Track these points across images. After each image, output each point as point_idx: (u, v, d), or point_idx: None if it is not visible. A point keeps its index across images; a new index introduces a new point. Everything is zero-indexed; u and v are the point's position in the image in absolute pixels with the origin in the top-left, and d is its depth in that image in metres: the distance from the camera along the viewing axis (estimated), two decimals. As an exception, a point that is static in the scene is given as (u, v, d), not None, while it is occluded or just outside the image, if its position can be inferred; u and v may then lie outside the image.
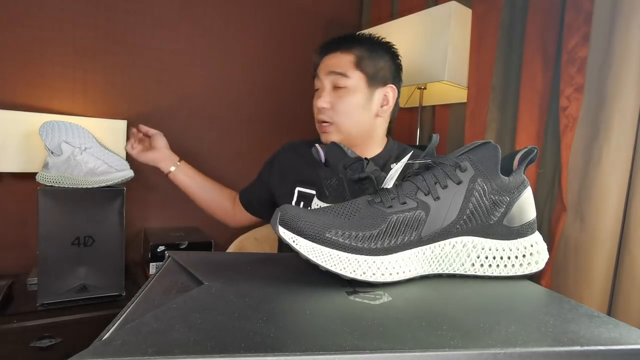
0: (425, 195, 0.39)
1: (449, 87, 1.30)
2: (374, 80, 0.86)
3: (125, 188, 1.04)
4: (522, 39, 1.07)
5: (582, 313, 0.33)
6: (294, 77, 1.60)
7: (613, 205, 0.84)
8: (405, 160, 0.44)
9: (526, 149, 0.42)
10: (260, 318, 0.28)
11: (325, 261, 0.36)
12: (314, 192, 0.89)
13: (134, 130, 1.03)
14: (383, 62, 0.88)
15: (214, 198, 1.05)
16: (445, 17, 1.14)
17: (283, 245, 1.02)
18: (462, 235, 0.41)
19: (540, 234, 0.45)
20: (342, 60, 0.85)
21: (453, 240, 0.40)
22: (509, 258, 0.42)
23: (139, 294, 0.35)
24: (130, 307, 0.32)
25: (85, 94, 1.27)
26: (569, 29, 0.93)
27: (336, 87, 0.85)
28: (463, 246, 0.41)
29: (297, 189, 0.92)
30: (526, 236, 0.43)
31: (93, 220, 1.00)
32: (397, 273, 0.37)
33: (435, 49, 1.16)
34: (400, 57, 0.94)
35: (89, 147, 1.02)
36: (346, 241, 0.36)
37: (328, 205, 0.43)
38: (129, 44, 1.32)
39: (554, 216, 0.96)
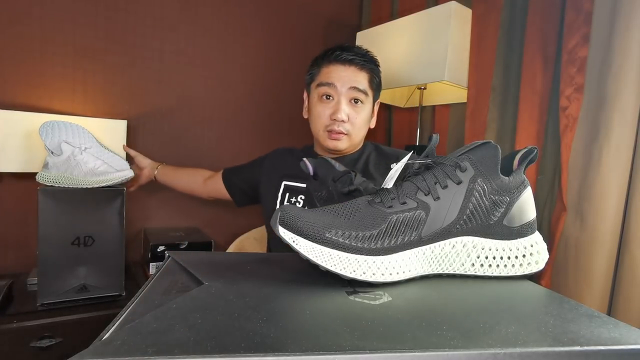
0: (425, 195, 0.39)
1: (449, 87, 1.30)
2: (375, 98, 0.97)
3: (125, 188, 1.04)
4: (522, 39, 1.07)
5: (582, 313, 0.33)
6: (293, 77, 1.60)
7: (613, 205, 0.84)
8: (405, 160, 0.44)
9: (526, 149, 0.42)
10: (260, 318, 0.28)
11: (325, 261, 0.36)
12: (300, 185, 0.94)
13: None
14: (379, 80, 0.97)
15: (185, 182, 1.22)
16: (445, 17, 1.14)
17: (272, 246, 1.05)
18: (462, 235, 0.41)
19: (540, 234, 0.45)
20: (360, 77, 0.91)
21: (453, 240, 0.40)
22: (509, 258, 0.42)
23: (139, 294, 0.35)
24: (130, 307, 0.32)
25: (85, 94, 1.27)
26: (569, 29, 0.93)
27: (353, 101, 0.91)
28: (463, 246, 0.41)
29: (284, 182, 0.97)
30: (526, 236, 0.43)
31: (93, 220, 1.00)
32: (397, 273, 0.37)
33: (435, 49, 1.16)
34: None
35: (89, 147, 1.02)
36: (346, 241, 0.36)
37: (328, 205, 0.43)
38: (129, 44, 1.32)
39: (554, 216, 0.96)
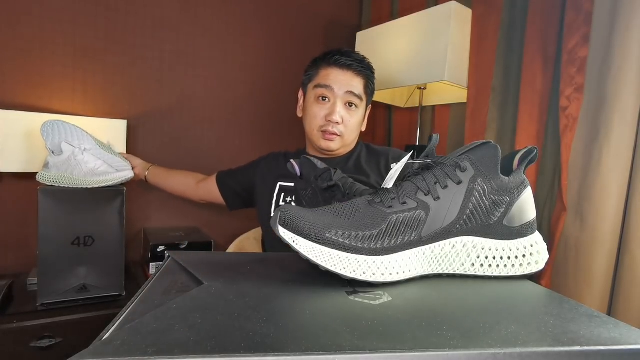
0: (425, 195, 0.39)
1: (449, 87, 1.30)
2: (368, 103, 1.00)
3: (125, 188, 1.04)
4: (522, 39, 1.07)
5: (582, 313, 0.33)
6: (293, 77, 1.60)
7: (613, 205, 0.84)
8: (405, 160, 0.44)
9: (526, 149, 0.42)
10: (260, 318, 0.28)
11: (325, 261, 0.36)
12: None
13: None
14: (373, 87, 1.00)
15: (177, 184, 1.22)
16: (445, 17, 1.14)
17: (267, 247, 1.06)
18: (462, 235, 0.41)
19: (540, 234, 0.45)
20: (356, 83, 0.94)
21: (453, 240, 0.40)
22: (509, 258, 0.42)
23: (139, 294, 0.35)
24: (130, 307, 0.32)
25: (85, 94, 1.27)
26: (569, 29, 0.93)
27: (348, 105, 0.94)
28: (463, 246, 0.41)
29: (279, 183, 0.99)
30: (526, 236, 0.43)
31: (93, 220, 1.00)
32: (397, 273, 0.37)
33: (435, 49, 1.16)
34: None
35: (89, 149, 1.02)
36: (346, 241, 0.36)
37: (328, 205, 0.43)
38: (129, 44, 1.32)
39: (554, 216, 0.96)
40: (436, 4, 1.27)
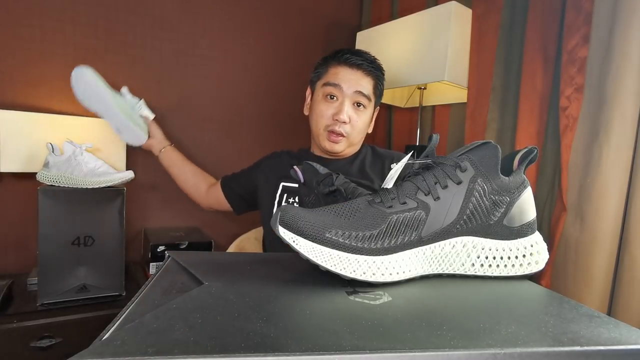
0: (425, 195, 0.39)
1: (449, 87, 1.30)
2: (376, 104, 0.99)
3: (125, 188, 1.04)
4: (522, 39, 1.07)
5: (582, 313, 0.33)
6: (293, 77, 1.60)
7: (613, 205, 0.84)
8: (405, 160, 0.44)
9: (526, 149, 0.42)
10: (260, 318, 0.28)
11: (325, 261, 0.36)
12: (297, 185, 0.94)
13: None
14: (382, 88, 0.99)
15: (189, 180, 1.16)
16: (445, 17, 1.14)
17: (267, 246, 1.05)
18: (462, 235, 0.41)
19: (540, 234, 0.45)
20: (366, 83, 0.93)
21: (453, 240, 0.40)
22: (509, 258, 0.42)
23: (139, 294, 0.35)
24: (130, 307, 0.32)
25: (85, 94, 1.27)
26: (569, 29, 0.93)
27: (356, 104, 0.93)
28: (463, 246, 0.41)
29: (282, 183, 0.98)
30: (526, 236, 0.43)
31: (93, 220, 1.00)
32: (397, 273, 0.37)
33: (435, 49, 1.16)
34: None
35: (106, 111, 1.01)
36: (346, 241, 0.36)
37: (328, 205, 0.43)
38: (129, 44, 1.32)
39: (554, 216, 0.96)
40: (436, 4, 1.27)
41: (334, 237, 0.36)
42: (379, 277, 0.37)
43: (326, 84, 0.93)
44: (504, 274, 0.42)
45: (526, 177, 0.43)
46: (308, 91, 1.02)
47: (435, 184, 0.40)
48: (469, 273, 0.42)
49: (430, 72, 1.17)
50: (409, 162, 0.43)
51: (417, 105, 1.34)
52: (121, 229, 1.03)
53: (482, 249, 0.41)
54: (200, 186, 1.15)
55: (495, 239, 0.42)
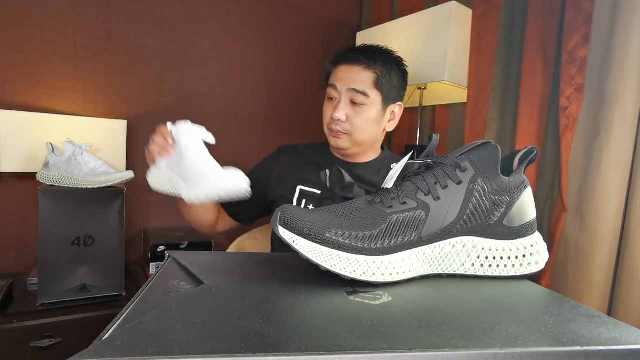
0: (426, 195, 0.39)
1: (449, 87, 1.30)
2: (388, 99, 0.91)
3: (125, 188, 1.04)
4: (522, 39, 1.07)
5: (582, 313, 0.33)
6: (293, 77, 1.60)
7: (613, 205, 0.84)
8: (405, 160, 0.44)
9: (526, 149, 0.42)
10: (260, 318, 0.28)
11: (325, 261, 0.36)
12: (316, 191, 0.91)
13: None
14: (396, 81, 0.91)
15: (200, 215, 0.98)
16: (445, 17, 1.14)
17: (276, 245, 1.03)
18: (462, 236, 0.41)
19: (540, 234, 0.45)
20: (363, 77, 0.88)
21: (453, 240, 0.40)
22: (509, 258, 0.42)
23: (139, 294, 0.35)
24: (130, 307, 0.32)
25: (85, 94, 1.27)
26: (569, 29, 0.93)
27: (353, 102, 0.89)
28: (463, 246, 0.41)
29: (299, 187, 0.93)
30: (526, 236, 0.43)
31: (93, 220, 1.00)
32: (397, 273, 0.37)
33: (435, 49, 1.16)
34: (407, 73, 0.96)
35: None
36: (346, 241, 0.36)
37: (328, 205, 0.43)
38: (129, 44, 1.32)
39: (554, 216, 0.96)
40: (436, 4, 1.27)
41: (334, 237, 0.36)
42: (379, 277, 0.37)
43: (328, 86, 0.93)
44: (504, 274, 0.42)
45: (526, 177, 0.43)
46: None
47: (436, 184, 0.40)
48: (469, 273, 0.42)
49: (430, 72, 1.17)
50: (409, 162, 0.43)
51: (417, 105, 1.34)
52: (121, 229, 1.03)
53: (482, 249, 0.41)
54: (209, 219, 1.00)
55: (495, 239, 0.42)
